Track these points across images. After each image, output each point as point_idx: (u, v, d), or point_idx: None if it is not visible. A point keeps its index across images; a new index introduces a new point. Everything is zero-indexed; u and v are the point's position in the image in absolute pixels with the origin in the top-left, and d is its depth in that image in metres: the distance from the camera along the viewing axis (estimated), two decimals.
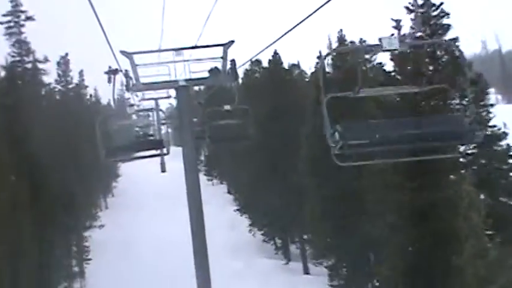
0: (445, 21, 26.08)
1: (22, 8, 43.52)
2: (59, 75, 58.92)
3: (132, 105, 32.22)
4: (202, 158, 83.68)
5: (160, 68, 15.84)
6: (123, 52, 14.27)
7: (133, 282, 43.97)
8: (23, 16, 43.27)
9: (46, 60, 44.64)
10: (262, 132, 44.54)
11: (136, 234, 55.44)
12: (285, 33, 11.44)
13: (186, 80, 15.39)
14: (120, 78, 15.02)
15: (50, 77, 51.42)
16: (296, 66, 55.83)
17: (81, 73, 74.20)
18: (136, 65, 14.83)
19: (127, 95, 29.24)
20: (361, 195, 33.75)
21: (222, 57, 15.11)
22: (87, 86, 77.06)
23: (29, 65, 43.17)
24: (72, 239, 46.13)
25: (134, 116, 28.59)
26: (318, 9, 9.14)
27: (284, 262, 50.09)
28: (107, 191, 79.53)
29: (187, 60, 15.52)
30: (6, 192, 30.78)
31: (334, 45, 42.01)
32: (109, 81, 14.56)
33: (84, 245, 48.04)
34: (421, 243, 26.45)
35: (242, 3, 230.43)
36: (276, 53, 48.97)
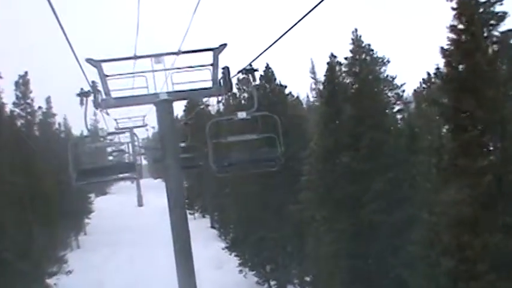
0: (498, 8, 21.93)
1: None
2: (17, 97, 54.30)
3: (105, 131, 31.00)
4: None
5: (136, 79, 14.02)
6: (89, 60, 12.35)
7: None
8: None
9: None
10: None
11: (111, 276, 52.30)
12: (275, 42, 10.11)
13: (169, 93, 13.52)
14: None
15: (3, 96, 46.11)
16: (284, 87, 53.45)
17: (48, 100, 71.85)
18: (106, 76, 13.03)
19: (101, 124, 27.92)
20: (392, 230, 30.55)
21: (212, 64, 13.27)
22: (55, 114, 74.18)
23: None
24: None
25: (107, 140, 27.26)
26: (307, 13, 8.18)
27: None
28: (79, 228, 76.19)
29: (169, 69, 13.65)
30: None
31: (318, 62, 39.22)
32: (81, 103, 13.01)
33: None
34: None
35: (231, 9, 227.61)
36: (268, 67, 46.20)
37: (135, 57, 13.33)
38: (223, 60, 13.08)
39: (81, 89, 12.77)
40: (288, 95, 52.92)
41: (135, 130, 37.31)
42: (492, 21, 21.96)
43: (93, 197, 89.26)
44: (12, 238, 35.19)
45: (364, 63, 35.82)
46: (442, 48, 22.73)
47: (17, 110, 54.81)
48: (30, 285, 39.64)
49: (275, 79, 47.19)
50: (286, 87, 51.03)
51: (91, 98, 12.81)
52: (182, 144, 15.84)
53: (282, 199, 42.12)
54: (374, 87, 36.29)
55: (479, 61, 21.61)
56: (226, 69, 12.93)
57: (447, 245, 22.20)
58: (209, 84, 13.43)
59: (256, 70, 12.75)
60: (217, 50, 12.92)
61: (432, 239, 23.81)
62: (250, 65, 12.41)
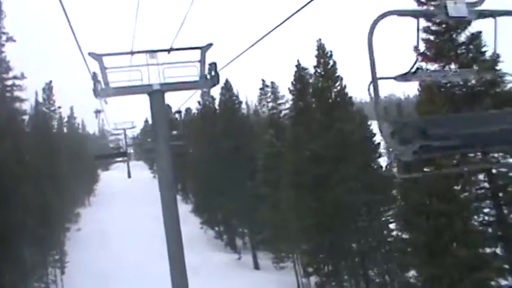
0: None
1: (4, 30, 32.06)
2: (44, 99, 48.61)
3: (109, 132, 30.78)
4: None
5: (132, 72, 10.27)
6: (91, 54, 9.12)
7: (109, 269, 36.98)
8: (4, 37, 31.89)
9: (23, 76, 32.19)
10: (216, 149, 37.89)
11: (110, 227, 47.88)
12: (257, 41, 7.09)
13: (161, 84, 9.75)
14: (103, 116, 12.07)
15: (26, 93, 36.05)
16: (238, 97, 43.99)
17: (71, 108, 70.79)
18: (106, 68, 9.30)
19: (106, 127, 27.47)
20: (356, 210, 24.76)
21: (199, 61, 9.67)
22: (75, 117, 73.53)
23: (9, 82, 31.63)
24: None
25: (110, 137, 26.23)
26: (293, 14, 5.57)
27: (237, 257, 40.83)
28: (90, 192, 71.28)
29: (162, 64, 9.93)
30: None
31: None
32: (96, 117, 11.16)
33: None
34: None
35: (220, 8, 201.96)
36: (227, 81, 40.78)
37: (132, 53, 9.75)
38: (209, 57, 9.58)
39: (96, 108, 10.74)
40: (240, 102, 44.53)
41: (127, 131, 34.19)
42: None
43: (100, 171, 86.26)
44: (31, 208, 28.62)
45: (327, 66, 29.02)
46: None
47: (44, 109, 49.44)
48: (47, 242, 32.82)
49: (232, 89, 42.00)
50: (238, 98, 43.79)
51: (102, 113, 9.83)
52: (174, 132, 12.23)
53: (237, 176, 36.83)
54: (337, 85, 29.17)
55: None
56: (213, 65, 9.53)
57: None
58: (196, 78, 9.79)
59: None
60: (204, 48, 9.55)
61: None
62: None
